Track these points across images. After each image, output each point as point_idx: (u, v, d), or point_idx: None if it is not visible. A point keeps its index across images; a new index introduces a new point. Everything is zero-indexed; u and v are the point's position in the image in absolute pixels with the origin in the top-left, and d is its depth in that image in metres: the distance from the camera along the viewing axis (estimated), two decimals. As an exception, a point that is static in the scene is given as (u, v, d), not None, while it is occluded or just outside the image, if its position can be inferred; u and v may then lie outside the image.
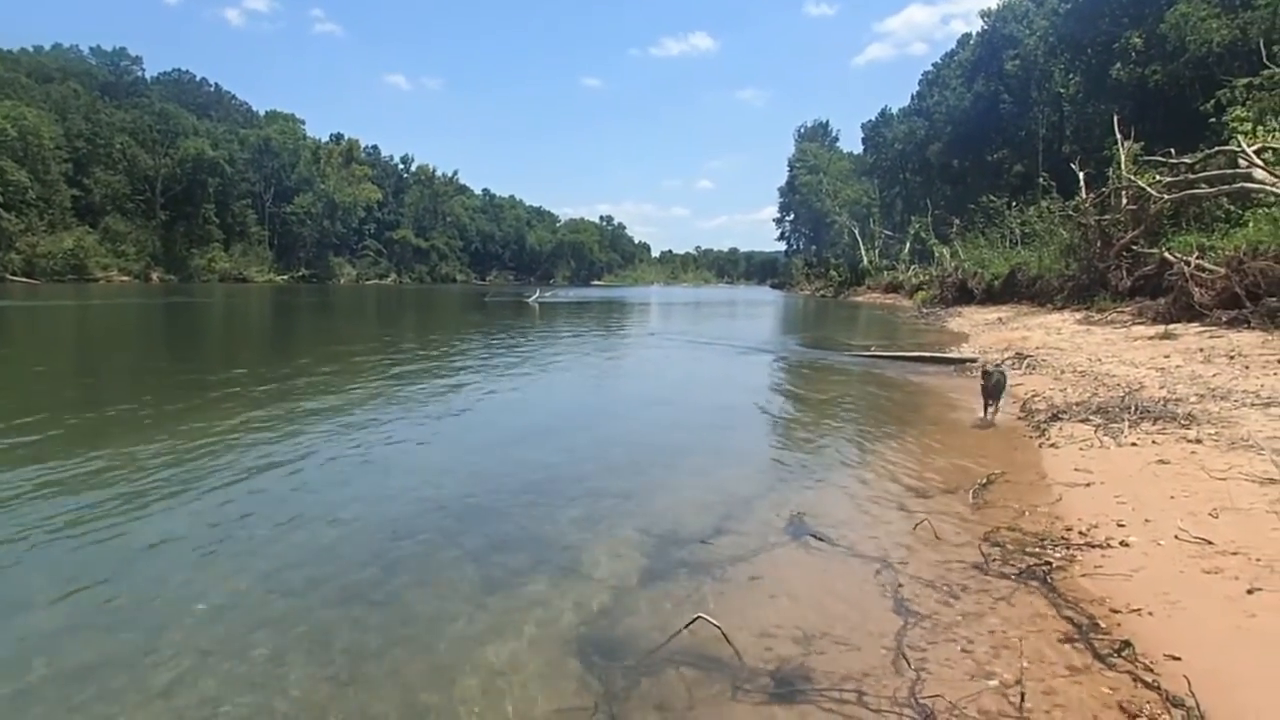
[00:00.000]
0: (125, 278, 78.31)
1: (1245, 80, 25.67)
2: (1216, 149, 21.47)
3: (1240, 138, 20.85)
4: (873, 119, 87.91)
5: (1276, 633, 3.36)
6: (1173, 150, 22.97)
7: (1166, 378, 9.77)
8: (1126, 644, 3.41)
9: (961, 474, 6.62)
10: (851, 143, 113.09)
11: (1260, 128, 21.85)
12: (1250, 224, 17.19)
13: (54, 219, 75.89)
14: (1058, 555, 4.56)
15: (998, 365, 9.90)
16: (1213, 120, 26.50)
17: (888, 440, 8.27)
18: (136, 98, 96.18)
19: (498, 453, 7.87)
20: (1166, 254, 18.11)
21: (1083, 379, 10.61)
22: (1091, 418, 7.89)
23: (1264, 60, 24.84)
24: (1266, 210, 17.26)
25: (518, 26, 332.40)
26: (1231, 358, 10.57)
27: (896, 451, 7.70)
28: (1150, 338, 13.95)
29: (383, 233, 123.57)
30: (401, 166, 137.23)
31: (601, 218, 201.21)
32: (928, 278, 46.22)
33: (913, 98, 79.67)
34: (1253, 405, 7.59)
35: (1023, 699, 3.05)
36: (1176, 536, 4.51)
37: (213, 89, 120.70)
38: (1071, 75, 50.68)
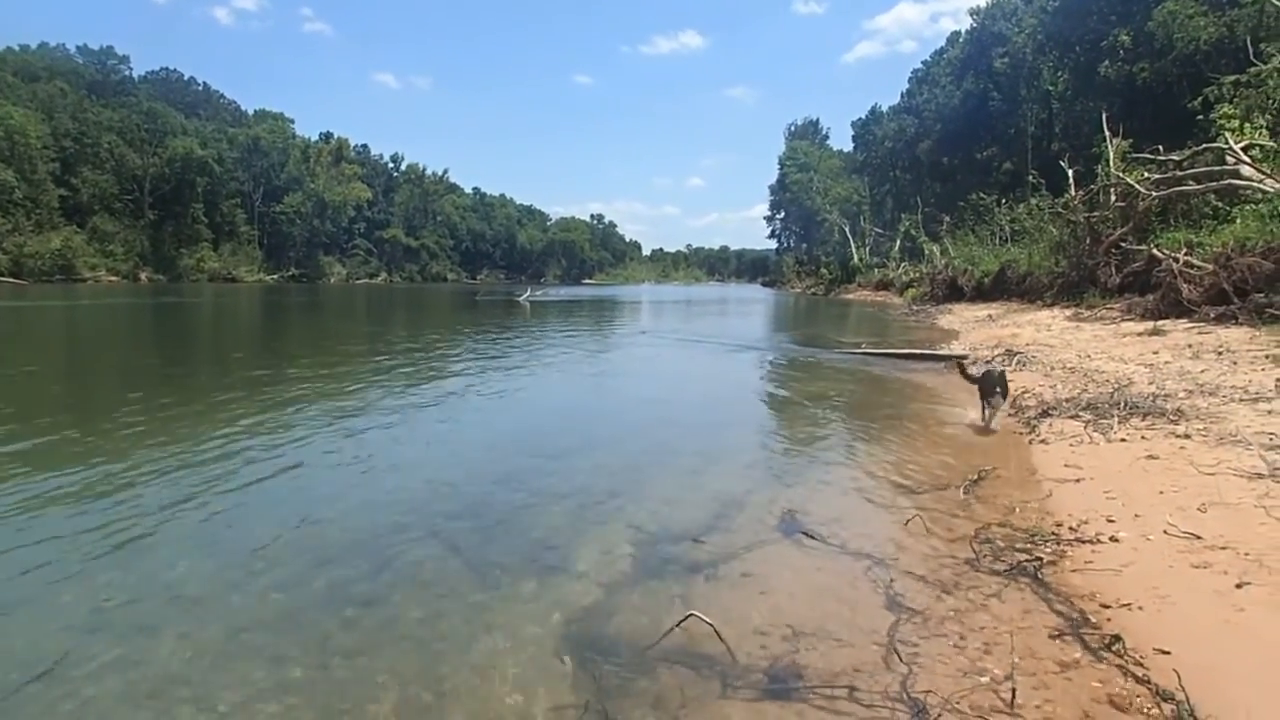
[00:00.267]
0: (113, 278, 77.79)
1: (1232, 77, 25.84)
2: (1204, 146, 21.62)
3: (1228, 135, 21.01)
4: (863, 117, 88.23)
5: (1265, 626, 3.38)
6: (1161, 147, 23.13)
7: (1155, 374, 9.82)
8: (1116, 638, 3.42)
9: (952, 470, 6.64)
10: (842, 140, 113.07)
11: (1247, 125, 21.98)
12: (1238, 220, 17.29)
13: (41, 219, 75.33)
14: (1048, 551, 4.58)
15: (988, 362, 9.83)
16: (1200, 117, 26.61)
17: (879, 437, 8.29)
18: (124, 97, 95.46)
19: (489, 451, 7.85)
20: (1155, 251, 18.21)
21: (1072, 375, 10.66)
22: (1081, 414, 7.93)
23: (1251, 58, 25.03)
24: (1254, 207, 17.37)
25: (508, 25, 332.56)
26: (1219, 353, 10.62)
27: (887, 448, 7.72)
28: (1139, 334, 14.02)
29: (373, 232, 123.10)
30: (391, 165, 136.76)
31: (592, 216, 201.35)
32: (918, 275, 46.36)
33: (902, 95, 79.79)
34: (1241, 401, 7.63)
35: (1014, 693, 3.06)
36: (1166, 531, 4.53)
37: (201, 88, 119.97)
38: (1060, 73, 50.90)
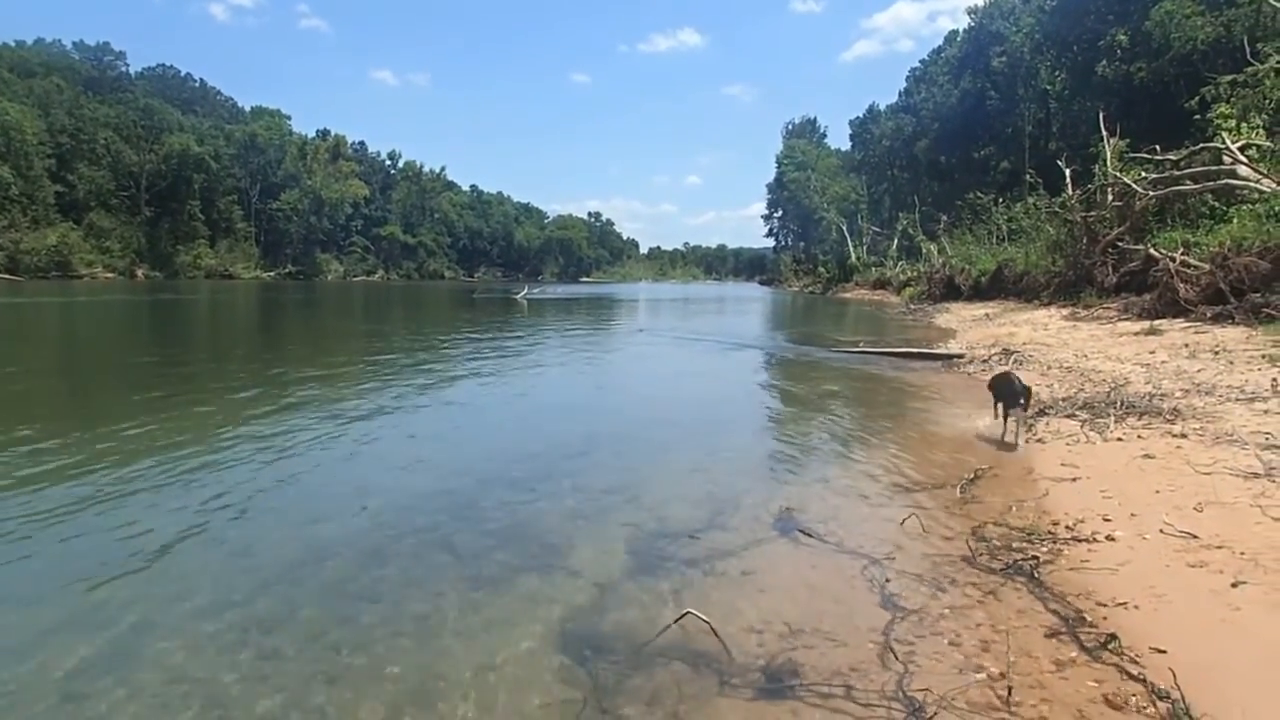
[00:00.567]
0: (110, 274, 77.71)
1: (1229, 77, 25.88)
2: (1201, 146, 21.66)
3: (1224, 135, 21.04)
4: (860, 116, 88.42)
5: (1261, 625, 3.39)
6: (1158, 147, 23.15)
7: (1152, 373, 9.84)
8: (1112, 637, 3.43)
9: (949, 469, 6.64)
10: (839, 139, 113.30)
11: (1244, 125, 22.02)
12: (1234, 220, 17.30)
13: (37, 215, 75.25)
14: (1044, 550, 4.58)
15: (1000, 360, 9.52)
16: (1197, 117, 26.68)
17: (875, 435, 8.30)
18: (120, 93, 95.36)
19: (486, 449, 7.85)
20: (1152, 250, 18.23)
21: (1069, 375, 10.67)
22: (1078, 413, 7.94)
23: (1247, 57, 25.06)
24: (1250, 206, 17.40)
25: (506, 22, 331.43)
26: (1216, 353, 10.64)
27: (884, 447, 7.72)
28: (1136, 333, 14.04)
29: (370, 229, 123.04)
30: (389, 163, 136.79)
31: (590, 214, 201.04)
32: (915, 274, 46.39)
33: (900, 94, 79.88)
34: (1237, 400, 7.65)
35: (1010, 692, 3.07)
36: (1162, 530, 4.54)
37: (197, 84, 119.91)
38: (1058, 72, 50.98)
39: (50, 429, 8.03)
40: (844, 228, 76.16)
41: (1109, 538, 4.61)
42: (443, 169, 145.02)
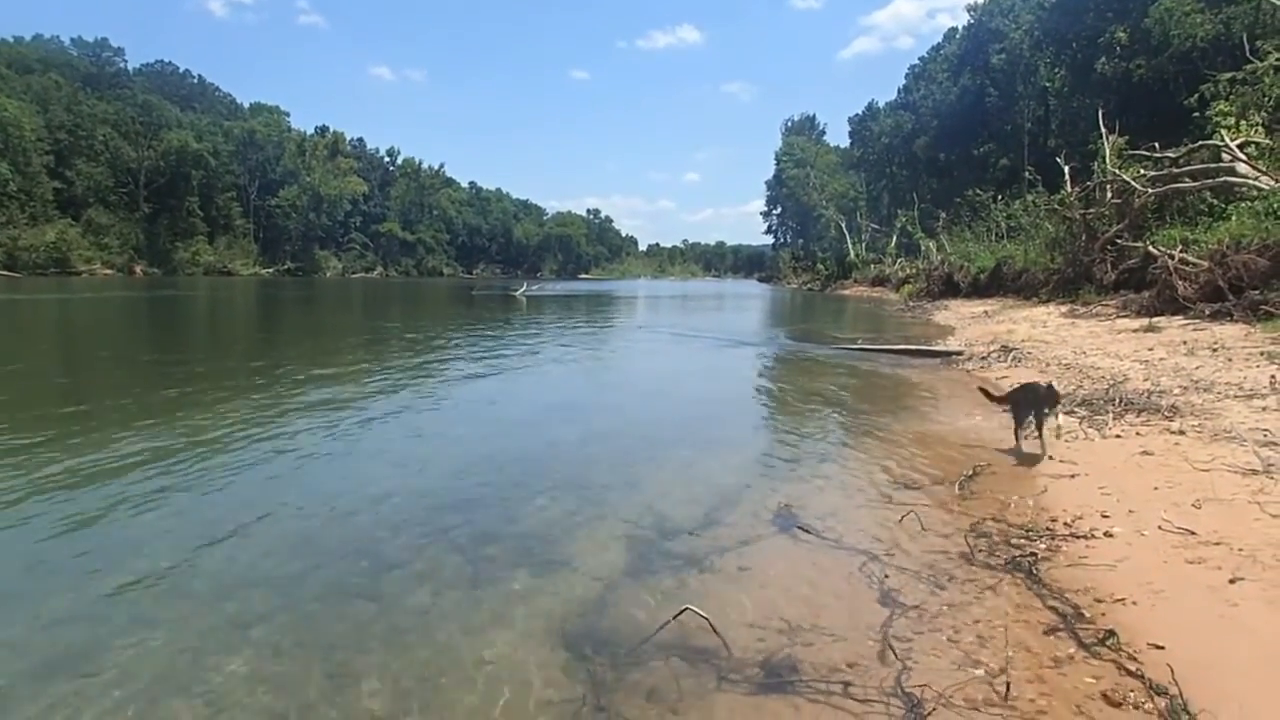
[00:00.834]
0: (108, 271, 77.67)
1: (1228, 75, 25.87)
2: (1200, 143, 21.68)
3: (1223, 132, 21.06)
4: (859, 113, 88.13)
5: (1258, 621, 3.39)
6: (1157, 144, 23.17)
7: (1150, 370, 9.84)
8: (1110, 633, 3.43)
9: (947, 465, 6.64)
10: (838, 136, 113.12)
11: (1243, 122, 22.02)
12: (1233, 218, 17.29)
13: (35, 211, 75.24)
14: (1043, 546, 4.59)
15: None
16: (1196, 114, 26.68)
17: (874, 432, 8.29)
18: (119, 89, 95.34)
19: (485, 445, 7.84)
20: (1150, 248, 18.21)
21: (1068, 371, 10.68)
22: (1076, 410, 7.94)
23: (1247, 55, 25.04)
24: (1249, 204, 17.39)
25: (504, 18, 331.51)
26: (1214, 350, 10.64)
27: (883, 443, 7.72)
28: (1134, 331, 14.05)
29: (369, 226, 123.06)
30: (387, 159, 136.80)
31: (589, 211, 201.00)
32: (914, 271, 46.30)
33: (899, 91, 79.84)
34: (1235, 397, 7.65)
35: (1008, 688, 3.07)
36: (1160, 527, 4.54)
37: (196, 81, 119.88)
38: (1057, 69, 50.97)
39: (48, 428, 8.03)
40: (843, 225, 76.16)
41: (1107, 534, 4.62)
42: (441, 166, 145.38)
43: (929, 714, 2.94)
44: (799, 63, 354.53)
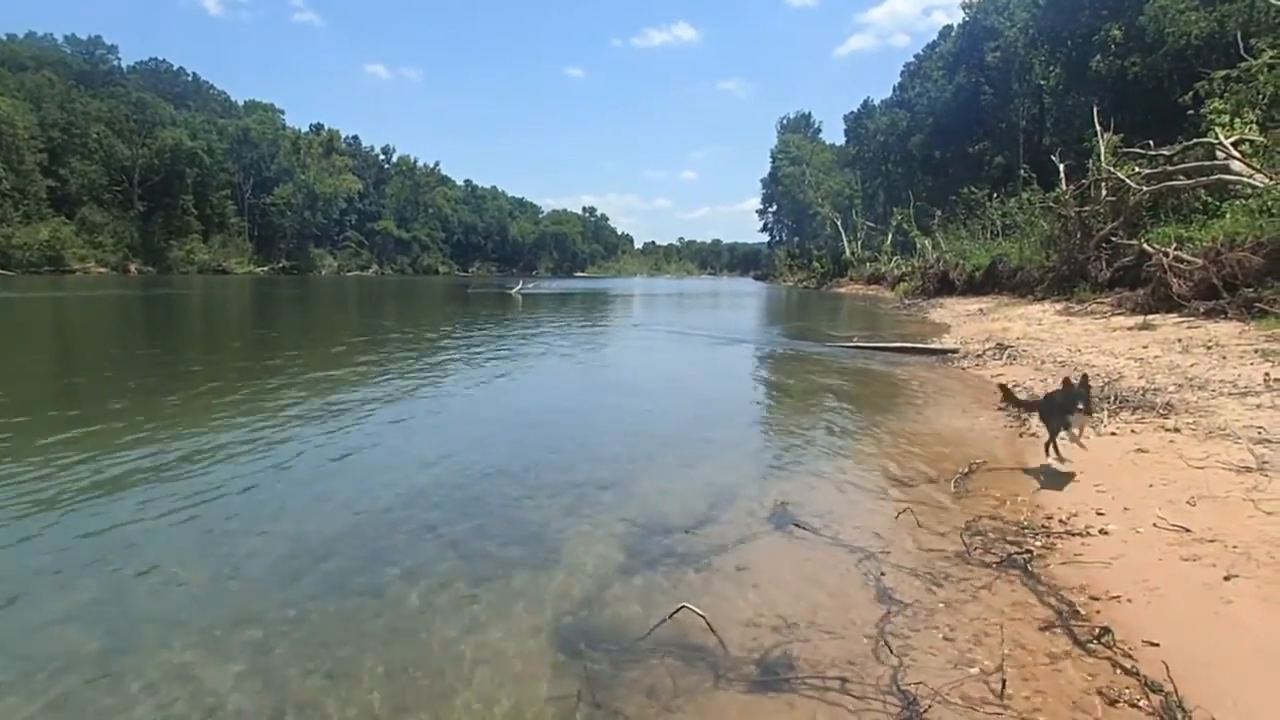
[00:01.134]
0: (102, 269, 77.39)
1: (1223, 73, 25.85)
2: (1195, 141, 21.71)
3: (1218, 130, 21.10)
4: (855, 110, 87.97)
5: (1253, 618, 3.41)
6: (1151, 142, 23.18)
7: (1145, 368, 9.87)
8: (1106, 630, 3.44)
9: (943, 463, 6.65)
10: (834, 134, 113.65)
11: (1237, 120, 22.06)
12: (1227, 215, 17.34)
13: (29, 209, 74.95)
14: (1038, 544, 4.60)
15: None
16: (1191, 112, 26.68)
17: (870, 430, 8.30)
18: (112, 87, 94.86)
19: (482, 444, 7.82)
20: (1145, 245, 18.25)
21: (1063, 369, 10.69)
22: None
23: (1241, 53, 25.05)
24: (1243, 202, 17.43)
25: (499, 17, 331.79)
26: (1209, 348, 10.67)
27: (879, 441, 7.73)
28: (1129, 328, 14.08)
29: (364, 224, 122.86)
30: (382, 157, 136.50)
31: (584, 209, 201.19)
32: (909, 269, 46.33)
33: (894, 89, 79.80)
34: (1230, 395, 7.67)
35: (1004, 685, 3.08)
36: (1155, 524, 4.55)
37: (190, 78, 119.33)
38: (1052, 67, 50.94)
39: (42, 428, 8.00)
40: (838, 222, 76.13)
41: (1102, 531, 4.63)
42: (437, 164, 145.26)
43: (925, 711, 2.95)
44: (794, 60, 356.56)
